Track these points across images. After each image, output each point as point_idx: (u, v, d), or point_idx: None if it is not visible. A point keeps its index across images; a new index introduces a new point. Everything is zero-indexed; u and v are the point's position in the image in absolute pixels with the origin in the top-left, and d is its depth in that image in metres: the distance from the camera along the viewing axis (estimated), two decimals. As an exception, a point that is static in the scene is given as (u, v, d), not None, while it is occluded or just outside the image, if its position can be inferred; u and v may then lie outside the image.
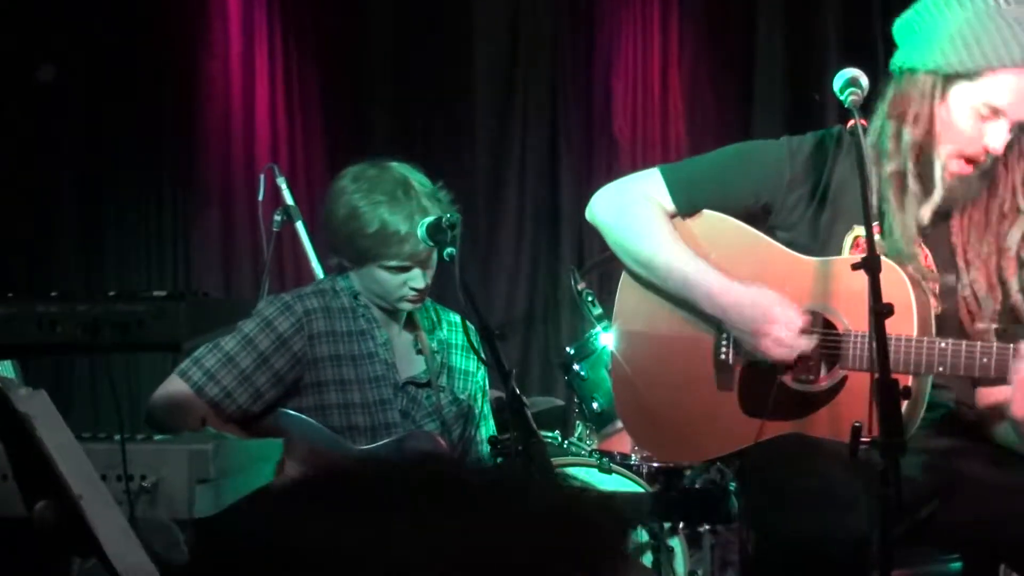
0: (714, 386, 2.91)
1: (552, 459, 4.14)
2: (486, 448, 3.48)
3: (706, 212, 2.97)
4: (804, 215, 2.90)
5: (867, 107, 2.78)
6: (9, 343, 2.84)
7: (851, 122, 2.63)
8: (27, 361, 4.07)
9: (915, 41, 2.79)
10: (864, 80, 2.70)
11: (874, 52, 5.87)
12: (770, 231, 2.93)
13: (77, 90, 6.34)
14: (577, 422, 4.39)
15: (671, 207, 2.98)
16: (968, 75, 2.71)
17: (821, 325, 2.81)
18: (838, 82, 2.70)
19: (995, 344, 2.64)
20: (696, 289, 2.88)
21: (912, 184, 2.78)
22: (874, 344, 2.42)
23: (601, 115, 6.51)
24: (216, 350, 3.28)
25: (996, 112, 2.71)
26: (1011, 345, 2.63)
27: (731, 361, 2.88)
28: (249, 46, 6.44)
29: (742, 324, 2.82)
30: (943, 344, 2.66)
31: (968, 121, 2.73)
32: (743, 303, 2.80)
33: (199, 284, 6.28)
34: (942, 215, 2.82)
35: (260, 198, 4.53)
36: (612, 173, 6.34)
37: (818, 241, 2.87)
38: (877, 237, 2.66)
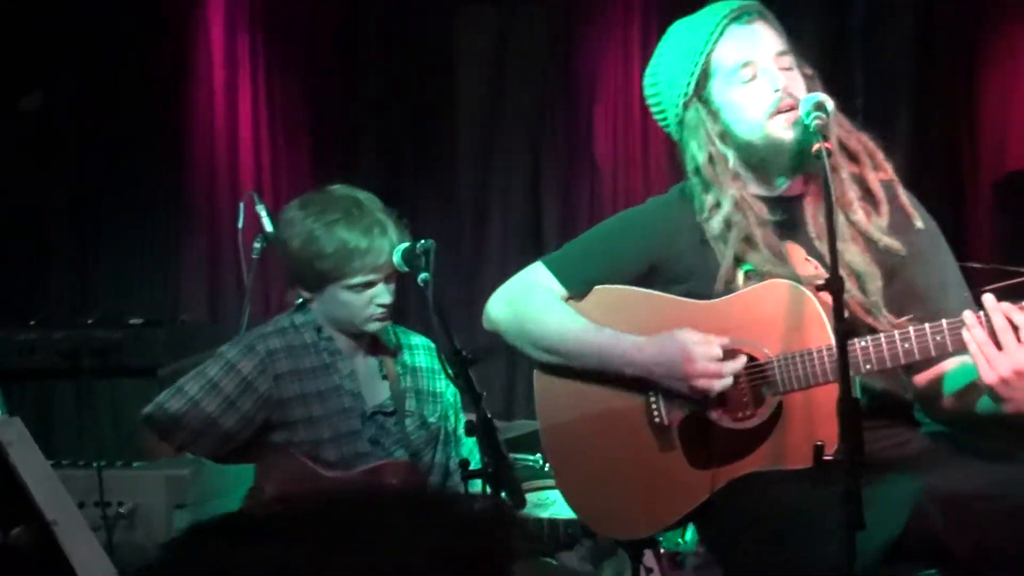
0: (657, 450, 2.87)
1: (534, 482, 4.17)
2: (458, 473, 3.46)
3: (598, 288, 2.98)
4: (694, 262, 2.90)
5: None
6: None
7: (817, 145, 2.66)
8: (10, 387, 4.09)
9: (659, 91, 2.93)
10: (830, 104, 2.74)
11: (852, 80, 5.94)
12: (665, 288, 2.93)
13: (65, 116, 6.36)
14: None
15: (563, 291, 3.00)
16: (705, 71, 2.84)
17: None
18: (804, 106, 2.74)
19: (911, 328, 2.65)
20: (612, 358, 2.88)
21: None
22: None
23: (583, 139, 6.54)
24: (180, 395, 3.27)
25: (748, 65, 2.81)
26: (926, 325, 2.63)
27: (666, 421, 2.85)
28: (232, 74, 6.47)
29: (667, 374, 2.80)
30: (863, 343, 2.66)
31: (743, 95, 2.82)
32: (660, 353, 2.80)
33: (187, 310, 6.29)
34: (792, 231, 2.87)
35: (240, 225, 4.56)
36: (594, 196, 6.43)
37: (714, 283, 2.86)
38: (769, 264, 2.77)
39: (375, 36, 6.61)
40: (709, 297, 2.86)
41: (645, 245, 2.98)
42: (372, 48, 6.62)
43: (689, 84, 2.86)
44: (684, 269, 2.92)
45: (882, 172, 2.91)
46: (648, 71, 2.98)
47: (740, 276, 2.85)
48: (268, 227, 4.25)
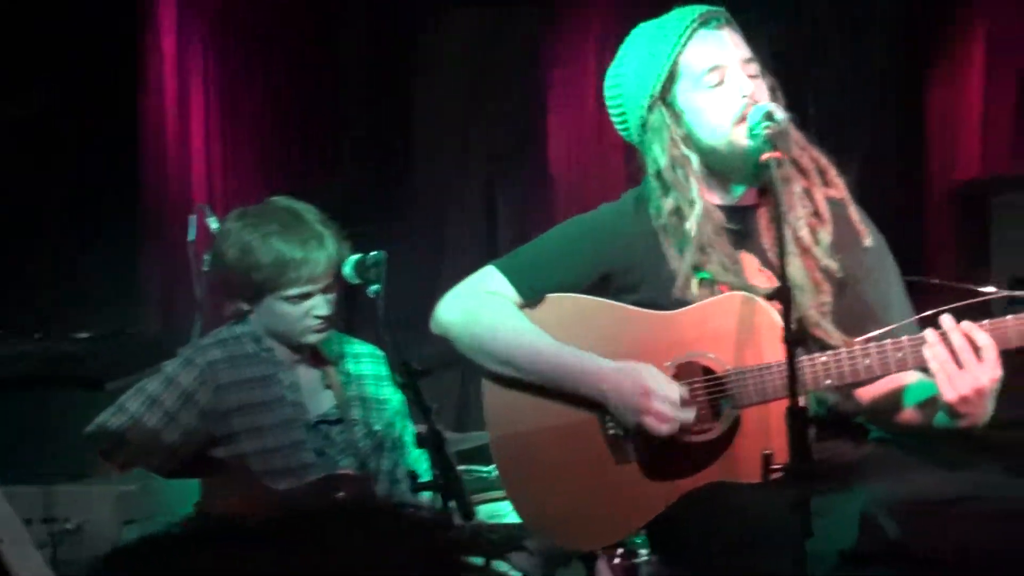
0: (612, 462, 2.85)
1: (488, 494, 4.16)
2: (406, 482, 3.44)
3: (551, 296, 2.93)
4: (647, 272, 2.89)
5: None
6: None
7: (766, 155, 2.66)
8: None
9: (622, 93, 2.91)
10: (779, 114, 2.76)
11: (804, 92, 5.96)
12: (617, 297, 2.91)
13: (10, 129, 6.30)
14: (514, 456, 4.39)
15: (517, 298, 2.95)
16: (672, 73, 2.83)
17: (700, 373, 2.79)
18: (754, 116, 2.75)
19: (873, 344, 2.67)
20: (567, 378, 2.85)
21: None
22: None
23: (539, 150, 6.54)
24: (121, 412, 3.25)
25: (716, 70, 2.80)
26: (887, 342, 2.66)
27: (622, 432, 2.83)
28: (184, 84, 6.43)
29: (622, 405, 2.78)
30: (824, 358, 2.68)
31: (709, 100, 2.82)
32: (619, 384, 2.78)
33: (141, 323, 6.25)
34: (746, 241, 2.87)
35: (190, 238, 4.53)
36: (549, 206, 6.42)
37: (667, 292, 2.85)
38: (726, 275, 2.76)
39: (330, 47, 6.59)
40: (662, 306, 2.85)
41: (599, 254, 2.95)
42: (326, 60, 6.59)
43: (655, 86, 2.84)
44: (637, 278, 2.91)
45: (833, 189, 2.90)
46: (610, 72, 2.95)
47: (695, 284, 2.83)
48: (220, 239, 4.22)
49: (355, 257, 3.20)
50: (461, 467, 4.27)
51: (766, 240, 2.86)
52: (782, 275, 2.49)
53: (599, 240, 2.96)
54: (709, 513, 2.72)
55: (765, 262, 2.85)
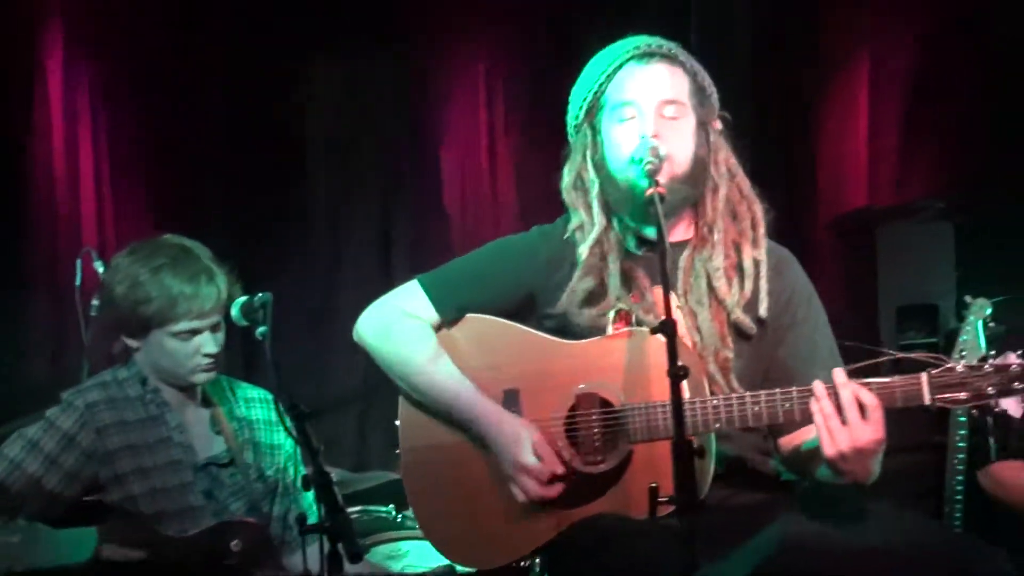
0: (508, 486, 2.91)
1: (386, 533, 4.14)
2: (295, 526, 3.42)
3: (470, 316, 3.01)
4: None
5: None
6: None
7: (650, 190, 2.70)
8: None
9: (569, 109, 3.03)
10: (663, 150, 2.80)
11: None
12: (539, 322, 2.98)
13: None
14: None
15: (436, 316, 3.02)
16: (598, 100, 2.92)
17: (598, 404, 2.84)
18: (639, 150, 2.80)
19: (763, 392, 2.72)
20: (458, 413, 2.95)
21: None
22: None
23: (432, 186, 6.55)
24: (0, 460, 3.21)
25: (629, 105, 2.87)
26: (776, 391, 2.71)
27: None
28: (72, 128, 6.34)
29: (498, 453, 2.89)
30: (715, 402, 2.73)
31: (619, 133, 2.89)
32: (500, 443, 2.88)
33: (29, 369, 6.13)
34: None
35: (77, 283, 4.48)
36: (444, 243, 6.43)
37: (584, 318, 2.92)
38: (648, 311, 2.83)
39: (219, 86, 6.54)
40: (577, 331, 2.91)
41: (520, 275, 3.02)
42: (218, 96, 6.55)
43: (582, 108, 2.95)
44: (558, 300, 2.96)
45: (756, 250, 2.95)
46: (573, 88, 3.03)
47: (611, 314, 2.91)
48: (107, 284, 4.17)
49: (242, 299, 3.20)
50: (359, 507, 4.26)
51: (682, 277, 2.90)
52: (667, 309, 2.52)
53: (521, 262, 3.03)
54: (600, 540, 2.76)
55: (680, 298, 2.89)
